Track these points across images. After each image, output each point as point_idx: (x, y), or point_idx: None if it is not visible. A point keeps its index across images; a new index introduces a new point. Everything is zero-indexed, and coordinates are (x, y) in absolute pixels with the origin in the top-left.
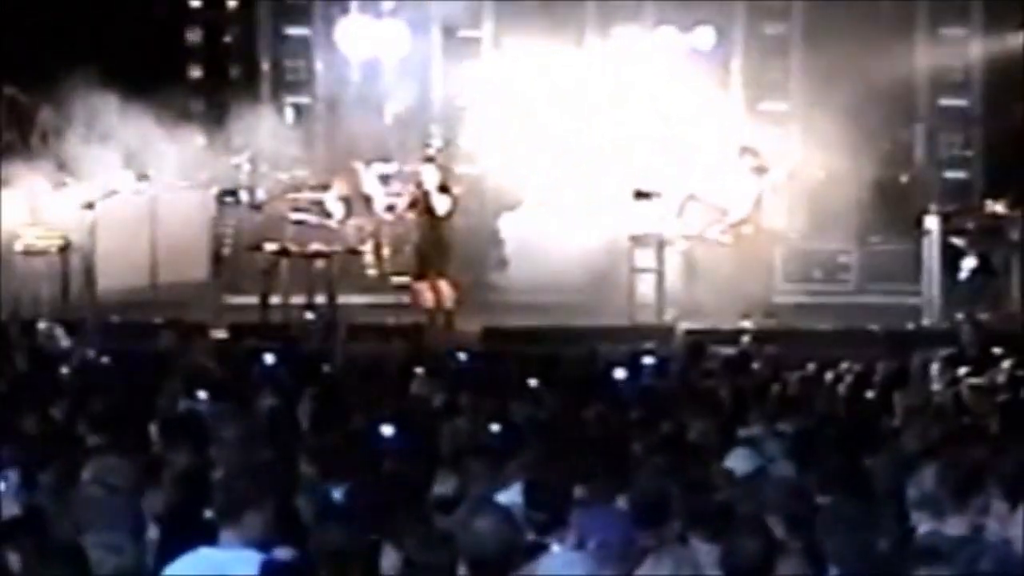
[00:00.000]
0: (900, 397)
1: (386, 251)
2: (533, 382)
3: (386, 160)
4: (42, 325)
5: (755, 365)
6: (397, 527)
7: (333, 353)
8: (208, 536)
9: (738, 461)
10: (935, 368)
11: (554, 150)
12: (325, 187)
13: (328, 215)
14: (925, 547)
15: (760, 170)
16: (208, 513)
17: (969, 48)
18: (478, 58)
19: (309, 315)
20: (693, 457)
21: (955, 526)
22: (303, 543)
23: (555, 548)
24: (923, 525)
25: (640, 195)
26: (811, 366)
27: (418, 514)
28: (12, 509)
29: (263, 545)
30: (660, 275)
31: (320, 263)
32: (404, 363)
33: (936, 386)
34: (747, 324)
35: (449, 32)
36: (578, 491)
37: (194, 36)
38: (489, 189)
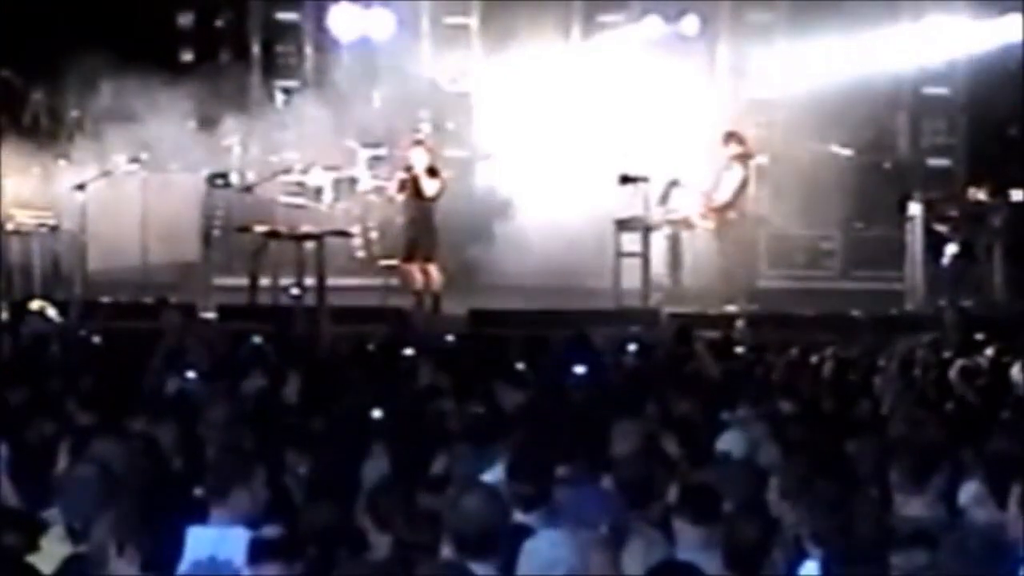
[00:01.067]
0: (883, 382)
1: (374, 234)
2: (519, 364)
3: (376, 144)
4: (33, 305)
5: (739, 349)
6: (385, 507)
7: (321, 335)
8: (198, 514)
9: (730, 444)
10: (919, 353)
11: (541, 135)
12: (309, 169)
13: (316, 197)
14: (905, 530)
15: (744, 156)
16: (198, 492)
17: (953, 38)
18: (467, 45)
19: (294, 291)
20: (678, 439)
21: (915, 508)
22: (292, 522)
23: (541, 530)
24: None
25: (626, 180)
26: (794, 351)
27: (406, 494)
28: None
29: (252, 523)
30: (645, 260)
31: (309, 245)
32: (391, 345)
33: (919, 371)
34: (731, 309)
35: (437, 18)
36: (562, 472)
37: (186, 20)
38: (477, 173)
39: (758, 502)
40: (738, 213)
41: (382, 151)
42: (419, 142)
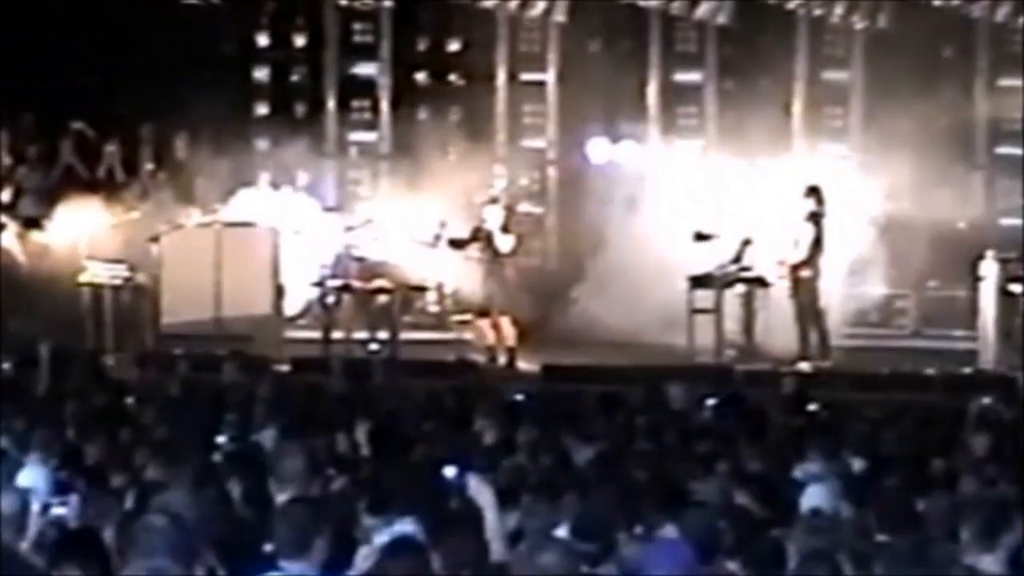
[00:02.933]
0: (956, 440)
1: (448, 289)
2: (592, 419)
3: (450, 200)
4: (109, 358)
5: (812, 407)
6: (455, 559)
7: (394, 388)
8: (268, 568)
9: (814, 499)
10: (991, 412)
11: (616, 190)
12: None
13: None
14: None
15: (819, 215)
16: (268, 546)
17: None
18: (543, 101)
19: (373, 346)
20: (751, 495)
21: (986, 564)
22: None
23: None
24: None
25: (700, 237)
26: (867, 409)
27: (477, 546)
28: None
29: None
30: (719, 316)
31: (382, 299)
32: (464, 399)
33: (992, 430)
34: (804, 366)
35: (513, 74)
36: (637, 528)
37: (261, 75)
38: (551, 229)
39: (831, 555)
40: (813, 271)
41: (457, 206)
42: (494, 199)
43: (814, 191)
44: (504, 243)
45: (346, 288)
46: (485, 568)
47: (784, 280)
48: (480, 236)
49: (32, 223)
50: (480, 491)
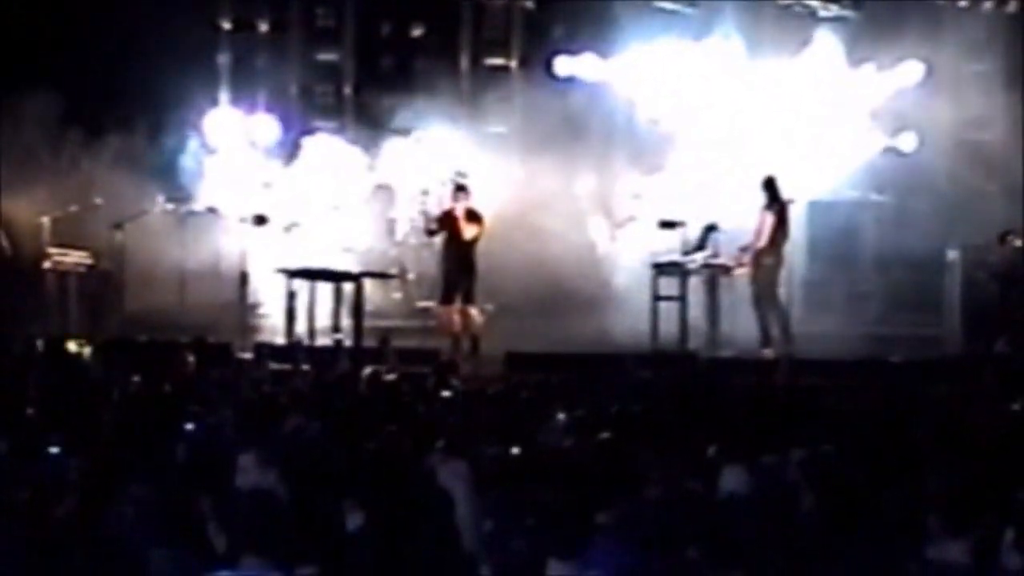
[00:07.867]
0: (920, 428)
1: (412, 275)
2: (555, 407)
3: (416, 186)
4: (72, 344)
5: (776, 394)
6: (419, 548)
7: (356, 376)
8: (229, 560)
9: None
10: (955, 399)
11: (580, 177)
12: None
13: (355, 238)
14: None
15: (781, 201)
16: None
17: (993, 85)
18: (507, 86)
19: (337, 336)
20: (710, 485)
21: (953, 553)
22: (325, 562)
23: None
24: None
25: (664, 224)
26: (831, 395)
27: (442, 536)
28: None
29: (285, 567)
30: (683, 303)
31: (347, 286)
32: (428, 387)
33: (956, 417)
34: (768, 353)
35: (478, 59)
36: (601, 518)
37: (225, 59)
38: (514, 216)
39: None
40: (775, 258)
41: (422, 192)
42: (461, 186)
43: (769, 182)
44: (468, 231)
45: (310, 274)
46: (455, 556)
47: (744, 267)
48: (448, 223)
49: None
50: (454, 481)
